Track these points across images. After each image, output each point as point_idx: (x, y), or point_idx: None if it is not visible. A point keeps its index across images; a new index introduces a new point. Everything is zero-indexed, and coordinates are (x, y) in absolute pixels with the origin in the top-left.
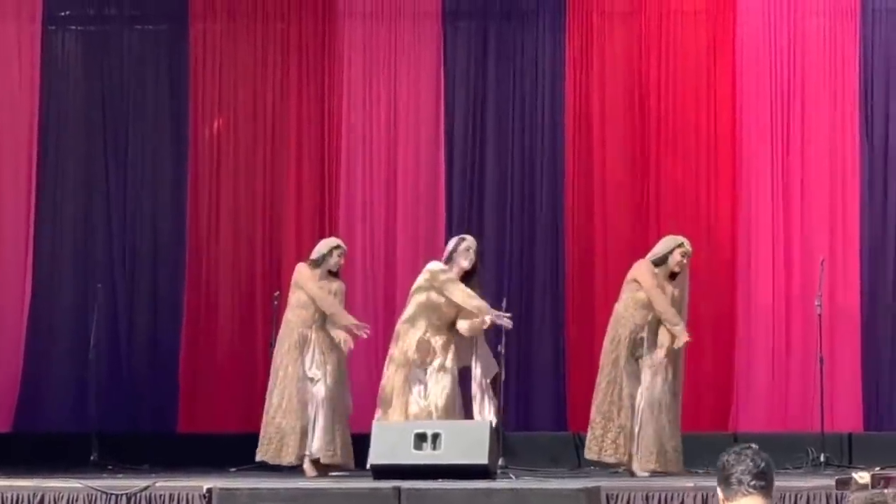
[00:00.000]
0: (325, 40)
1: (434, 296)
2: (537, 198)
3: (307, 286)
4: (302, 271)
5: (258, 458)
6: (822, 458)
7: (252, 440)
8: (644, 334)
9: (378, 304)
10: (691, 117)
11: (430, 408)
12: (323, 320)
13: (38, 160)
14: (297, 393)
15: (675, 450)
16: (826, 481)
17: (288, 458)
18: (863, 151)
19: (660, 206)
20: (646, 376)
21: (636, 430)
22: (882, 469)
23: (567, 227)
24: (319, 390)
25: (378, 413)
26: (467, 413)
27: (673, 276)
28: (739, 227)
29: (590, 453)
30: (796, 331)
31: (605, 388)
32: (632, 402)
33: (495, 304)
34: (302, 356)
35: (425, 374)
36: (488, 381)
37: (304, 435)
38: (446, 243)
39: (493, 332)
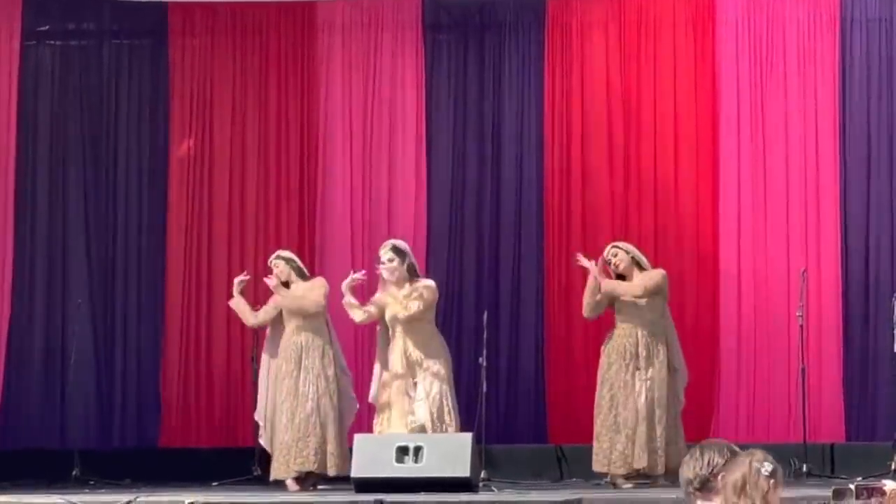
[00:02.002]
0: (305, 54)
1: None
2: (518, 210)
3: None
4: None
5: (274, 476)
6: (804, 469)
7: (233, 454)
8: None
9: (355, 327)
10: (670, 126)
11: (420, 422)
12: (313, 327)
13: (16, 175)
14: (297, 405)
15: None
16: (809, 491)
17: (291, 473)
18: (842, 160)
19: (641, 217)
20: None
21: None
22: (865, 479)
23: (547, 237)
24: (308, 402)
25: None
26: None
27: (621, 277)
28: (721, 238)
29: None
30: (778, 341)
31: (608, 400)
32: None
33: (476, 318)
34: (297, 366)
35: (415, 385)
36: None
37: (304, 447)
38: (427, 254)
39: (474, 345)
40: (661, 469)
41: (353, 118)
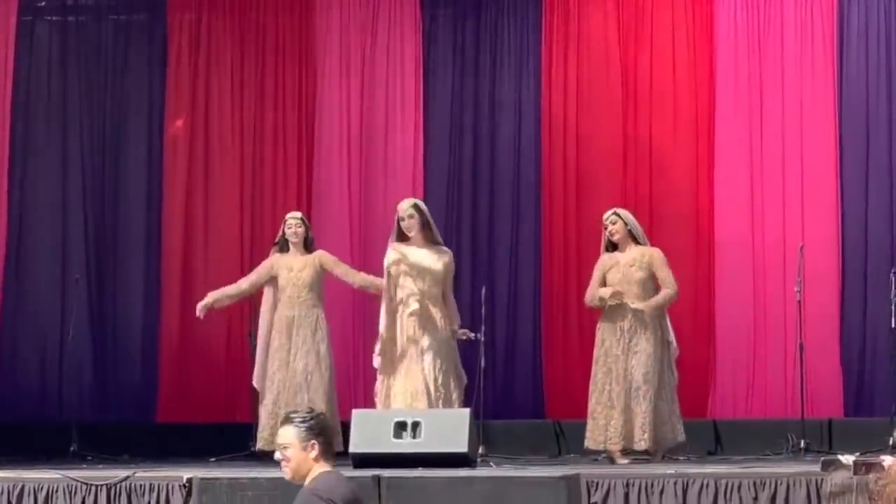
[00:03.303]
0: (303, 30)
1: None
2: (517, 187)
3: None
4: None
5: (259, 446)
6: (802, 445)
7: (231, 430)
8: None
9: (352, 295)
10: (669, 100)
11: (418, 388)
12: (307, 301)
13: (10, 148)
14: (288, 378)
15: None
16: (807, 467)
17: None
18: (839, 133)
19: (638, 189)
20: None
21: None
22: (862, 454)
23: (545, 213)
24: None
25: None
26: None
27: (614, 246)
28: (718, 215)
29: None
30: (775, 317)
31: (601, 377)
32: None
33: (474, 292)
34: (288, 339)
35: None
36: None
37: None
38: None
39: (472, 321)
40: (648, 444)
41: (350, 93)
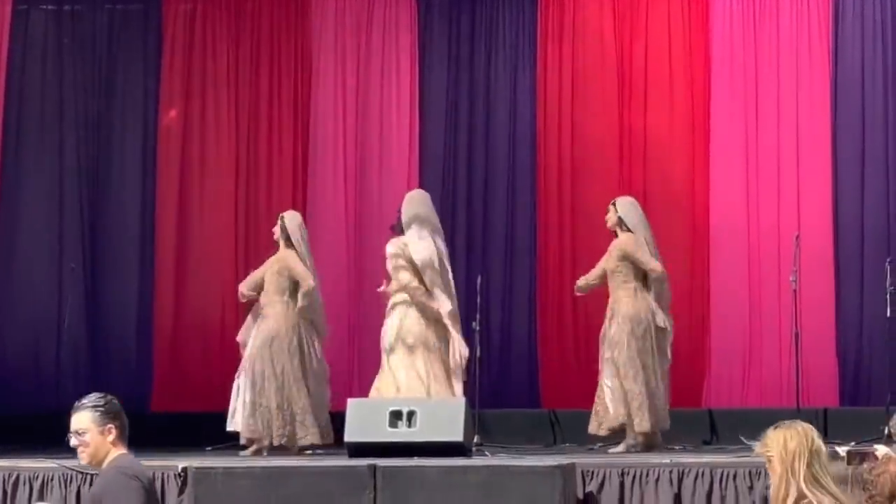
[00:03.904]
0: (298, 20)
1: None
2: (511, 178)
3: None
4: None
5: (231, 427)
6: None
7: (226, 419)
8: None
9: (347, 287)
10: (664, 90)
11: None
12: (262, 298)
13: (4, 136)
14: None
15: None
16: None
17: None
18: (834, 123)
19: (633, 179)
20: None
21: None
22: (857, 444)
23: (540, 203)
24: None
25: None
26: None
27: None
28: (713, 205)
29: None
30: (771, 306)
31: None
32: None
33: (470, 281)
34: (273, 340)
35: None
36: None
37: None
38: None
39: (468, 311)
40: (648, 426)
41: (346, 86)
